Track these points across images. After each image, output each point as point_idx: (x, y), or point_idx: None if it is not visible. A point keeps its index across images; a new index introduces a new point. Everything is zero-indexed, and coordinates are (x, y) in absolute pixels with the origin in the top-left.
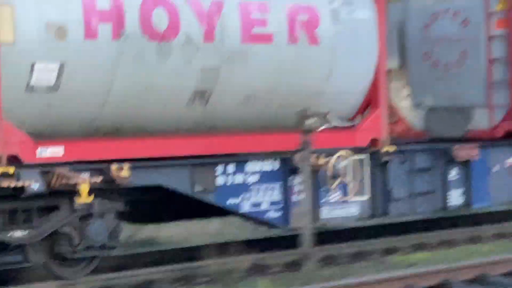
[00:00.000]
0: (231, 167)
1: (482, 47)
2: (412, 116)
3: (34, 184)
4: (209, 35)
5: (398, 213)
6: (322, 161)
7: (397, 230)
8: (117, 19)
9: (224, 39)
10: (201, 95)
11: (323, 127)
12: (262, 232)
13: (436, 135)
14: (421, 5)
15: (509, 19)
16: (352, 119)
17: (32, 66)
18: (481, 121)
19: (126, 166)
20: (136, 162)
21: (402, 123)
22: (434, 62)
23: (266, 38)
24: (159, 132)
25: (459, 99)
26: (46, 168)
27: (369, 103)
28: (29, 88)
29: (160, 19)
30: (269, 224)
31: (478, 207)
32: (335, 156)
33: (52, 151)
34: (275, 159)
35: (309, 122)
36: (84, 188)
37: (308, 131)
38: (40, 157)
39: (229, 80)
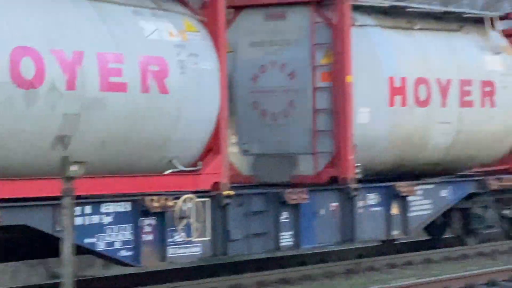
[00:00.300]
0: (88, 208)
1: (308, 98)
2: (239, 162)
3: None
4: (71, 83)
5: (235, 253)
6: (170, 203)
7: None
8: None
9: (84, 87)
10: (62, 140)
11: (168, 172)
12: None
13: (263, 181)
14: (250, 57)
15: (333, 72)
16: (195, 164)
17: None
18: (306, 167)
19: None
20: (5, 203)
21: (230, 169)
22: (262, 111)
23: (122, 87)
24: (27, 174)
25: (285, 146)
26: None
27: (211, 149)
28: None
29: (27, 68)
30: (121, 262)
31: (306, 247)
32: (181, 199)
33: None
34: (127, 201)
35: (73, 168)
36: None
37: (70, 178)
38: None
39: (88, 125)
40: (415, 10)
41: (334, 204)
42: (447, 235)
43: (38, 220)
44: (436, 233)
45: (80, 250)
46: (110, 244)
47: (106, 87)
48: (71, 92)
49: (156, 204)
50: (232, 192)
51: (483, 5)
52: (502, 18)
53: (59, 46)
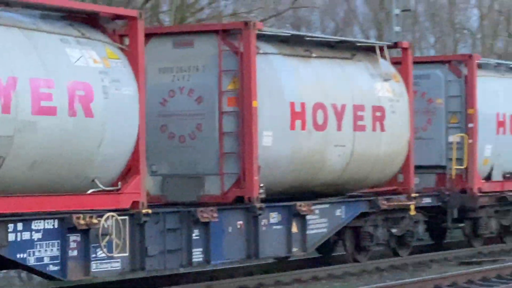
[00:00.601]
0: (20, 225)
1: (215, 122)
2: (148, 182)
3: None
4: (6, 107)
5: (152, 268)
6: (95, 220)
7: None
8: None
9: (18, 110)
10: None
11: (90, 191)
12: None
13: (172, 200)
14: (159, 82)
15: (239, 97)
16: (116, 183)
17: None
18: (213, 187)
19: None
20: None
21: None
22: (170, 134)
23: (52, 111)
24: None
25: (193, 167)
26: None
27: (131, 169)
28: None
29: None
30: (50, 276)
31: (215, 263)
32: (104, 217)
33: None
34: (55, 219)
35: None
36: None
37: None
38: None
39: (21, 147)
40: (312, 39)
41: (240, 222)
42: (337, 252)
43: None
44: (325, 251)
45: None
46: (40, 259)
47: (38, 111)
48: (6, 115)
49: (82, 222)
50: (150, 211)
51: (333, 30)
52: (390, 47)
53: None
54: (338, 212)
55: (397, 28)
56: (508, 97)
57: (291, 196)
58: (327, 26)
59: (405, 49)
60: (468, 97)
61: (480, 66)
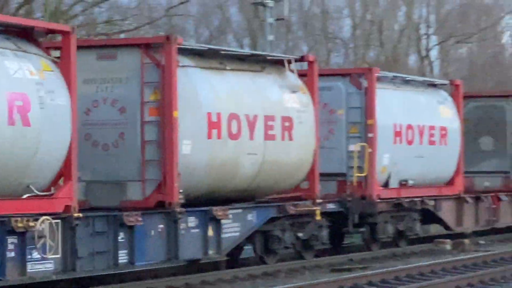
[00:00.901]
0: None
1: (137, 131)
2: None
3: None
4: None
5: (82, 269)
6: (32, 223)
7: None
8: None
9: None
10: None
11: (26, 196)
12: None
13: (95, 205)
14: (83, 92)
15: (160, 108)
16: (50, 189)
17: None
18: (135, 193)
19: None
20: None
21: None
22: (94, 142)
23: None
24: None
25: (116, 174)
26: None
27: (63, 175)
28: None
29: None
30: None
31: (139, 264)
32: (40, 220)
33: None
34: None
35: None
36: None
37: None
38: None
39: None
40: (226, 52)
41: (161, 226)
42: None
43: None
44: (233, 253)
45: None
46: None
47: None
48: None
49: (20, 225)
50: (81, 215)
51: (207, 38)
52: (297, 60)
53: None
54: (250, 217)
55: (270, 37)
56: (403, 108)
57: (206, 201)
58: (202, 35)
59: (311, 63)
60: (367, 109)
61: (378, 79)
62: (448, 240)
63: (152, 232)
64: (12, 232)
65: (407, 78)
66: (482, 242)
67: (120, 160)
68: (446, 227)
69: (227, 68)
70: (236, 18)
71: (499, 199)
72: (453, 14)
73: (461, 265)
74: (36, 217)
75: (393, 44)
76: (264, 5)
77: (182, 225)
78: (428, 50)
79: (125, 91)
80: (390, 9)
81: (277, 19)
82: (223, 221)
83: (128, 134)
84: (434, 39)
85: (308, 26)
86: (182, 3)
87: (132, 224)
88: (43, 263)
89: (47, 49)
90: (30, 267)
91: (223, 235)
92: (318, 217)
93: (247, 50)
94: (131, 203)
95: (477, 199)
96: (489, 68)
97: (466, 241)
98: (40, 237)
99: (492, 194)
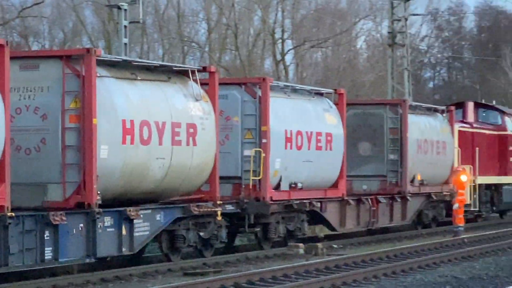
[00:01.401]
0: None
1: (58, 137)
2: None
3: None
4: None
5: (14, 264)
6: None
7: None
8: None
9: None
10: None
11: None
12: None
13: (18, 206)
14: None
15: (80, 115)
16: None
17: None
18: (56, 194)
19: None
20: None
21: None
22: (17, 147)
23: None
24: None
25: (37, 177)
26: None
27: None
28: None
29: None
30: None
31: (62, 261)
32: None
33: None
34: None
35: None
36: None
37: None
38: None
39: None
40: (137, 63)
41: (81, 225)
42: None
43: None
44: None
45: None
46: None
47: None
48: None
49: None
50: (13, 214)
51: (62, 40)
52: (200, 70)
53: None
54: (158, 217)
55: (125, 40)
56: (293, 116)
57: (119, 203)
58: (56, 36)
59: (212, 73)
60: (262, 116)
61: (271, 88)
62: (301, 244)
63: (74, 231)
64: None
65: (296, 87)
66: (335, 246)
67: (41, 163)
68: (331, 227)
69: (138, 78)
70: (90, 20)
71: (378, 202)
72: (308, 19)
73: (313, 269)
74: None
75: (248, 48)
76: (119, 7)
77: (99, 225)
78: (283, 54)
79: (47, 99)
80: (246, 13)
81: (132, 22)
82: (135, 221)
83: (49, 139)
84: (289, 44)
85: (164, 29)
86: (35, 4)
87: (57, 223)
88: None
89: None
90: None
91: (135, 234)
92: (219, 218)
93: (155, 62)
94: (52, 204)
95: (358, 201)
96: (343, 72)
97: (319, 245)
98: None
99: (372, 196)
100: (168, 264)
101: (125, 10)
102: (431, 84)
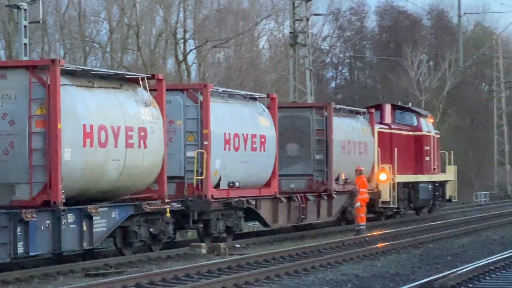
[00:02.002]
0: None
1: (26, 140)
2: None
3: None
4: None
5: None
6: None
7: None
8: None
9: None
10: None
11: None
12: None
13: None
14: None
15: (45, 121)
16: None
17: None
18: (23, 194)
19: None
20: None
21: None
22: None
23: None
24: None
25: (6, 178)
26: None
27: None
28: None
29: None
30: None
31: (32, 254)
32: None
33: None
34: None
35: None
36: None
37: None
38: None
39: None
40: (94, 72)
41: (48, 221)
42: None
43: None
44: None
45: None
46: None
47: None
48: None
49: None
50: None
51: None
52: (149, 78)
53: None
54: (113, 214)
55: (25, 40)
56: (231, 119)
57: (78, 201)
58: None
59: (159, 80)
60: (203, 120)
61: (211, 93)
62: (203, 244)
63: (42, 227)
64: None
65: (233, 93)
66: (237, 245)
67: (10, 165)
68: (265, 224)
69: (95, 85)
70: None
71: (307, 199)
72: (210, 19)
73: (216, 269)
74: None
75: (150, 48)
76: (18, 7)
77: (63, 221)
78: (185, 54)
79: (14, 106)
80: (148, 13)
81: (32, 22)
82: (94, 218)
83: (17, 143)
84: (191, 44)
85: (65, 29)
86: None
87: (28, 219)
88: None
89: None
90: None
91: (94, 230)
92: (168, 215)
93: (109, 70)
94: (20, 203)
95: (289, 199)
96: (245, 72)
97: (222, 244)
98: None
99: (302, 194)
100: (69, 265)
101: (25, 10)
102: (333, 84)
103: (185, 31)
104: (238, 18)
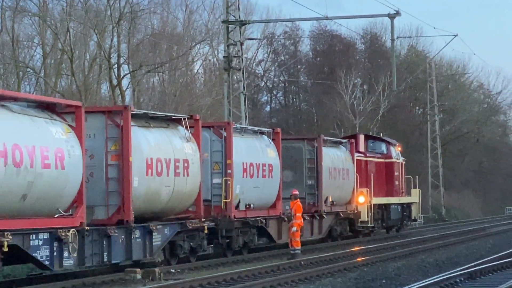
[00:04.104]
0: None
1: (103, 171)
2: None
3: None
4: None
5: (93, 264)
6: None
7: None
8: None
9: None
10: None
11: (57, 215)
12: None
13: None
14: None
15: (119, 155)
16: (68, 210)
17: None
18: (101, 214)
19: None
20: None
21: None
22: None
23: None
24: None
25: (88, 201)
26: None
27: (76, 202)
28: None
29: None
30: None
31: (115, 262)
32: (71, 231)
33: None
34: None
35: None
36: None
37: None
38: None
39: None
40: (149, 114)
41: (122, 236)
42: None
43: None
44: None
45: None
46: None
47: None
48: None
49: (62, 233)
50: (88, 228)
51: None
52: (189, 118)
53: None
54: (166, 231)
55: None
56: (247, 151)
57: (138, 219)
58: None
59: (196, 120)
60: (227, 152)
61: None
62: (138, 269)
63: (119, 240)
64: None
65: (248, 128)
66: (172, 270)
67: (91, 191)
68: (271, 239)
69: (151, 125)
70: None
71: (303, 219)
72: (145, 44)
73: None
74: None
75: (84, 73)
76: None
77: (133, 236)
78: (119, 79)
79: (94, 144)
80: (81, 37)
81: None
82: (153, 233)
83: (96, 173)
84: (126, 68)
85: None
86: None
87: (111, 234)
88: (69, 259)
89: None
90: (64, 262)
91: (154, 243)
92: (205, 231)
93: (160, 113)
94: (98, 221)
95: (289, 219)
96: (180, 97)
97: (157, 270)
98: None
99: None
100: None
101: None
102: (268, 108)
103: (119, 56)
104: (172, 42)
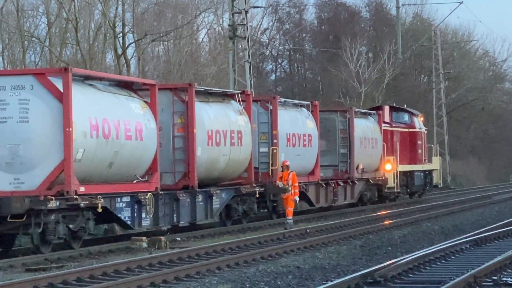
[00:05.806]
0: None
1: (170, 142)
2: None
3: None
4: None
5: (162, 224)
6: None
7: None
8: None
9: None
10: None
11: (135, 181)
12: None
13: None
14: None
15: (185, 127)
16: (144, 177)
17: None
18: (169, 180)
19: None
20: None
21: None
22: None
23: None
24: None
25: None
26: None
27: (151, 169)
28: None
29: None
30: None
31: (182, 223)
32: (148, 195)
33: None
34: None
35: None
36: None
37: None
38: None
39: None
40: (208, 91)
41: (188, 200)
42: None
43: None
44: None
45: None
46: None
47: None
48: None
49: (141, 197)
50: (161, 192)
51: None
52: (241, 93)
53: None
54: (223, 195)
55: None
56: (290, 122)
57: (199, 185)
58: None
59: (248, 95)
60: (273, 123)
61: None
62: (144, 238)
63: (186, 204)
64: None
65: (290, 102)
66: (178, 239)
67: (161, 160)
68: (310, 203)
69: (210, 100)
70: None
71: (338, 185)
72: (149, 12)
73: (156, 262)
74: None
75: (89, 42)
76: None
77: (197, 200)
78: (124, 48)
79: (162, 117)
80: (86, 6)
81: None
82: (213, 198)
83: (164, 144)
84: (130, 37)
85: (3, 23)
86: None
87: (180, 198)
88: (146, 220)
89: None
90: (143, 222)
91: (214, 206)
92: (257, 195)
93: (215, 88)
94: (166, 187)
95: (327, 184)
96: (185, 66)
97: (163, 238)
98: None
99: (334, 181)
100: (9, 260)
101: None
102: (273, 77)
103: (124, 25)
104: (177, 11)
